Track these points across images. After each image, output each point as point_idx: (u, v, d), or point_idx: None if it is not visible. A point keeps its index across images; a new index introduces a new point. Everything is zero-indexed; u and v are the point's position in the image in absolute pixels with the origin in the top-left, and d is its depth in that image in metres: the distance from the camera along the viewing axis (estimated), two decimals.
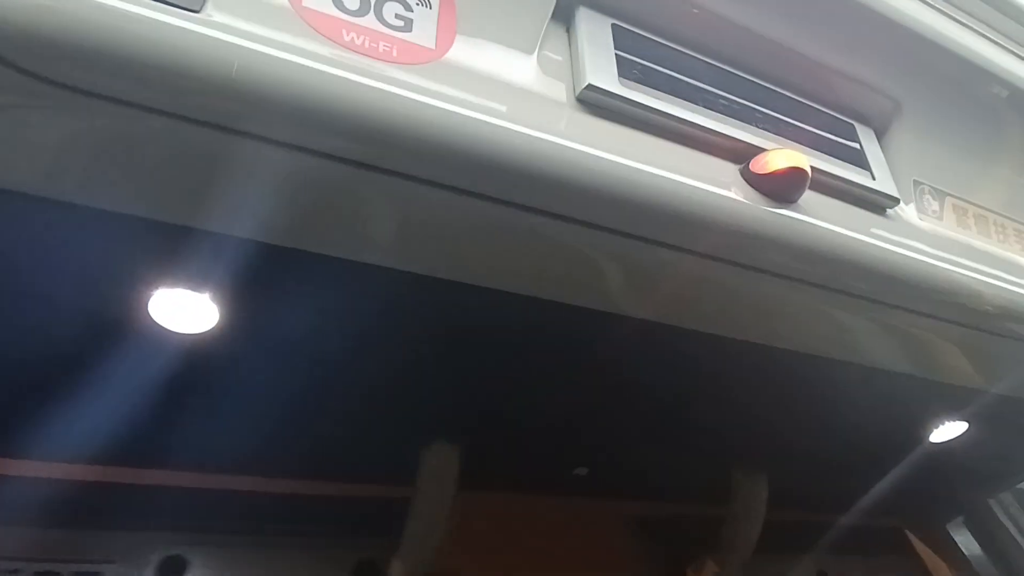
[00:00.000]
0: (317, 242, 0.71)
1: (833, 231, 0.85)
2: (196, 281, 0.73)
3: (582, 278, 0.79)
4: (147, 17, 0.54)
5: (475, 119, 0.65)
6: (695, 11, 0.84)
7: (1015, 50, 1.06)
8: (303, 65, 0.59)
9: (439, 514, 1.09)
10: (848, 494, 1.55)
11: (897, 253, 0.90)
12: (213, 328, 0.85)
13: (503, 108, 0.68)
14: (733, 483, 1.54)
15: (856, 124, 0.99)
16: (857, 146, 0.96)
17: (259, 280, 0.75)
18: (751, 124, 0.85)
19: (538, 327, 0.91)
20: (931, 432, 1.34)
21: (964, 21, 1.00)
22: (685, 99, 0.80)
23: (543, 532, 1.53)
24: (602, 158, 0.71)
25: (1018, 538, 1.79)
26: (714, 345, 0.95)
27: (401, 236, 0.73)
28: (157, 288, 0.73)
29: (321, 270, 0.75)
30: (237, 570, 1.09)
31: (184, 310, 0.78)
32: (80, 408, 0.88)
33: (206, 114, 0.58)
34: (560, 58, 0.77)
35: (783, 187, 0.80)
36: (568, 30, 0.79)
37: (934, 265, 0.94)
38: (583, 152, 0.70)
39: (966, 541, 1.84)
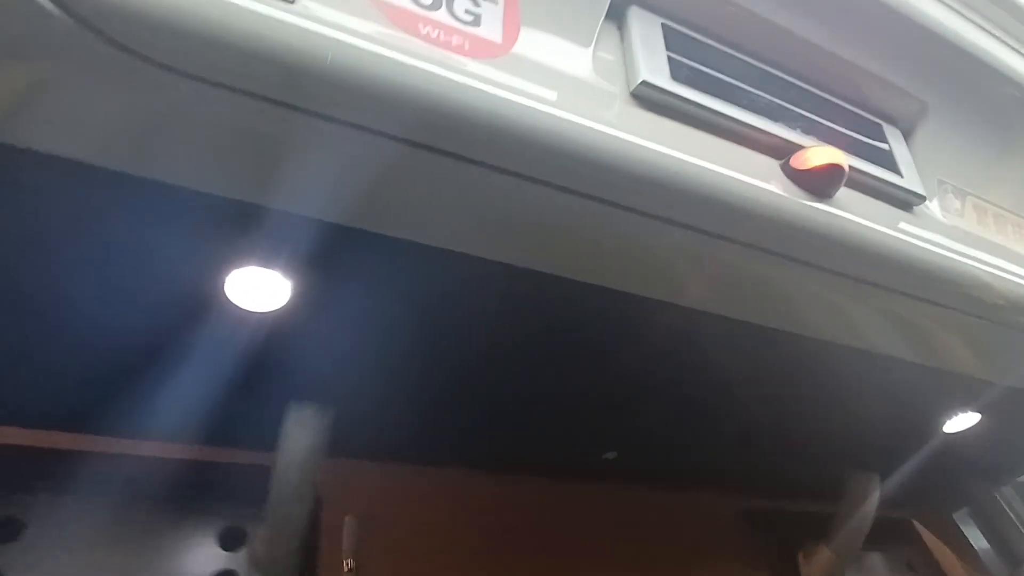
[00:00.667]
0: (384, 223, 0.75)
1: (865, 226, 0.89)
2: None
3: (630, 264, 0.84)
4: (245, 5, 0.58)
5: (539, 110, 0.69)
6: (739, 13, 0.88)
7: None
8: (386, 56, 0.62)
9: (302, 480, 1.08)
10: (874, 480, 1.59)
11: (923, 248, 0.94)
12: None
13: (564, 101, 0.72)
14: (847, 481, 1.68)
15: (885, 124, 1.03)
16: (886, 145, 1.00)
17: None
18: (790, 122, 0.89)
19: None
20: (944, 423, 1.39)
21: (987, 27, 1.04)
22: (730, 96, 0.84)
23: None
24: (655, 150, 0.75)
25: (1022, 529, 1.84)
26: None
27: (462, 219, 0.77)
28: (233, 268, 0.77)
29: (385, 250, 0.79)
30: (81, 532, 1.11)
31: None
32: None
33: (296, 98, 0.62)
34: (614, 55, 0.81)
35: (821, 183, 0.84)
36: (620, 28, 0.83)
37: (956, 260, 0.98)
38: (638, 144, 0.74)
39: (971, 532, 1.89)
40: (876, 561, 1.93)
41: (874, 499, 1.65)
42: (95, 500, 1.14)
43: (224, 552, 1.24)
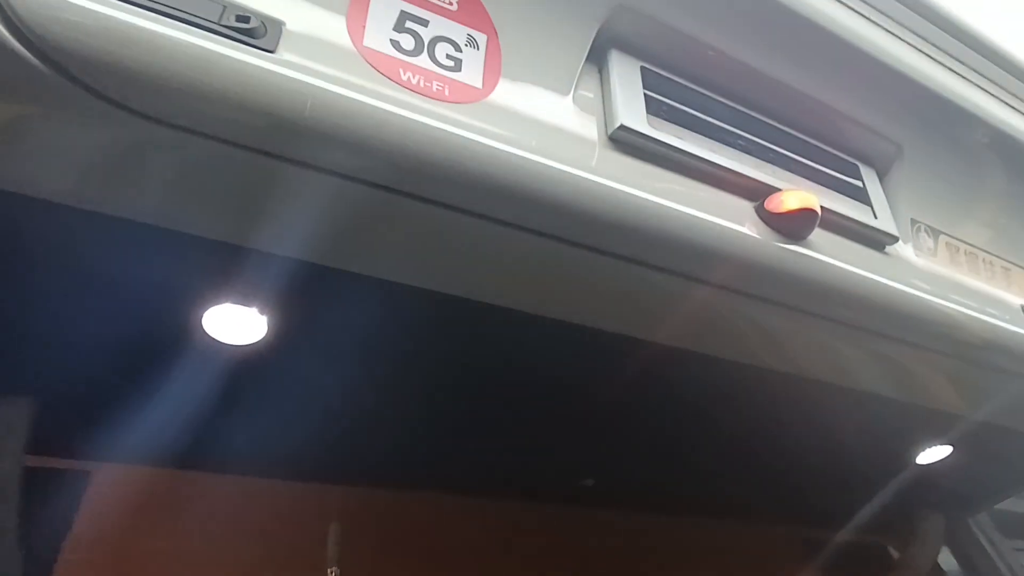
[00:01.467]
0: (364, 264, 0.75)
1: (839, 267, 0.91)
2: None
3: (606, 304, 0.85)
4: (226, 55, 0.59)
5: (518, 155, 0.70)
6: (718, 57, 0.89)
7: (1006, 99, 1.13)
8: (367, 103, 0.63)
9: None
10: (836, 512, 1.61)
11: (896, 288, 0.96)
12: None
13: (543, 146, 0.73)
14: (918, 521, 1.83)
15: (860, 164, 1.05)
16: (861, 185, 1.02)
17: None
18: (766, 162, 0.91)
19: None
20: (916, 455, 1.41)
21: (959, 71, 1.07)
22: (707, 138, 0.86)
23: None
24: (631, 194, 0.77)
25: (994, 557, 1.86)
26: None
27: (440, 260, 0.77)
28: (211, 305, 0.77)
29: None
30: None
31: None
32: None
33: (275, 147, 0.62)
34: (593, 97, 0.82)
35: (795, 225, 0.85)
36: (600, 71, 0.85)
37: (929, 300, 1.00)
38: (614, 188, 0.75)
39: (945, 559, 1.91)
40: None
41: (940, 538, 1.81)
42: None
43: None
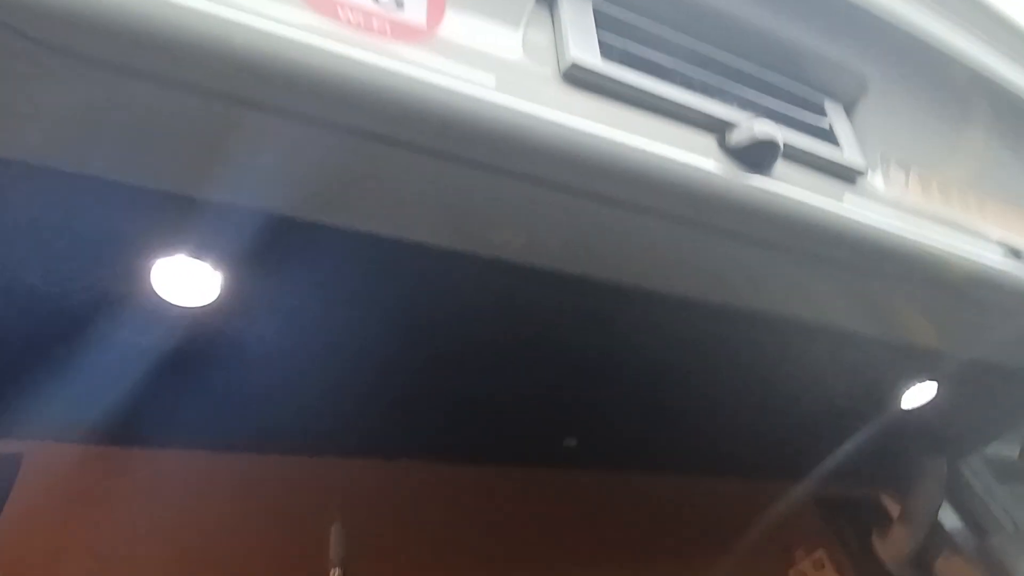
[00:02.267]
0: (319, 211, 0.74)
1: (805, 199, 0.90)
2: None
3: (570, 244, 0.84)
4: None
5: (467, 94, 0.69)
6: None
7: (977, 33, 1.12)
8: (305, 43, 0.62)
9: None
10: (824, 461, 1.61)
11: (866, 220, 0.95)
12: None
13: (493, 82, 0.71)
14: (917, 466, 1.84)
15: (825, 98, 1.04)
16: (826, 119, 1.01)
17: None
18: (726, 99, 0.90)
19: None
20: (902, 396, 1.40)
21: (927, 3, 1.06)
22: (663, 75, 0.84)
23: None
24: (587, 131, 0.75)
25: (987, 500, 1.87)
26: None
27: (398, 205, 0.76)
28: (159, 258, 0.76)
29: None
30: None
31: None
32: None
33: (210, 84, 0.61)
34: (544, 36, 0.81)
35: (757, 156, 0.84)
36: (551, 9, 0.83)
37: (902, 232, 0.99)
38: (570, 126, 0.74)
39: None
40: (851, 537, 1.98)
41: (942, 479, 1.81)
42: None
43: None
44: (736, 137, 0.84)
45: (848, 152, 0.99)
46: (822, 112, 1.01)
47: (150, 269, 0.76)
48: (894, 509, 1.99)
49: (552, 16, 0.83)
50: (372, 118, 0.67)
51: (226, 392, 1.02)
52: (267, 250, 0.75)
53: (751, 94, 0.93)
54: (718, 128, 0.85)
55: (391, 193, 0.74)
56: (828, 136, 0.99)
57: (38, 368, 0.93)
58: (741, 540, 1.84)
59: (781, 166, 0.89)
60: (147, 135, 0.65)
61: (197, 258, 0.74)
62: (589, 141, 0.76)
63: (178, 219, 0.71)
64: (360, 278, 0.88)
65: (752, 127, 0.83)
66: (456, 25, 0.72)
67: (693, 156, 0.82)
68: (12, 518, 1.14)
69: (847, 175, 0.99)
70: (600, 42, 0.81)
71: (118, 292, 0.79)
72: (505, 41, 0.76)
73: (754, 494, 1.86)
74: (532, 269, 0.86)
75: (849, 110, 1.07)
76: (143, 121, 0.64)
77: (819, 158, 0.95)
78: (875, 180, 1.03)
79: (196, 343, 0.88)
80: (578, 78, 0.78)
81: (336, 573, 1.30)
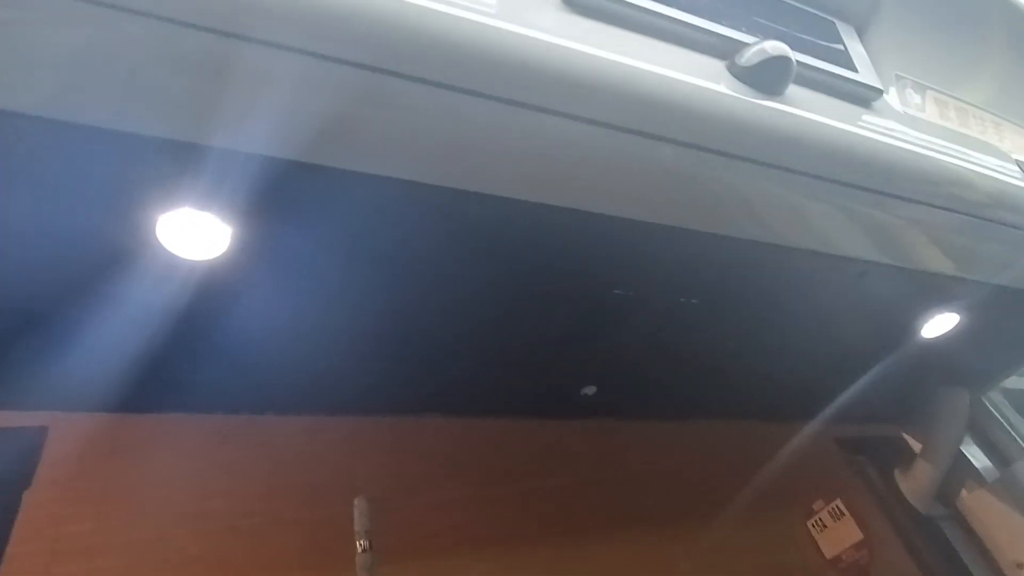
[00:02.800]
0: (329, 154, 0.72)
1: (821, 121, 0.87)
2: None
3: (581, 179, 0.82)
4: None
5: (473, 21, 0.67)
6: None
7: None
8: None
9: None
10: (845, 400, 1.60)
11: (884, 141, 0.93)
12: None
13: (493, 9, 0.69)
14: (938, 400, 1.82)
15: (837, 21, 1.01)
16: (839, 41, 0.98)
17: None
18: (734, 21, 0.87)
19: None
20: (922, 329, 1.38)
21: None
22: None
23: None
24: (594, 55, 0.73)
25: (1013, 433, 1.87)
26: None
27: (410, 144, 0.74)
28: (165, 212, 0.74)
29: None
30: None
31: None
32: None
33: (204, 18, 0.59)
34: None
35: (769, 77, 0.82)
36: None
37: (921, 152, 0.97)
38: (576, 50, 0.72)
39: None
40: (876, 477, 1.98)
41: (965, 412, 1.80)
42: None
43: None
44: (747, 57, 0.81)
45: (863, 73, 0.96)
46: (834, 34, 0.98)
47: (156, 223, 0.74)
48: (916, 445, 1.99)
49: None
50: (372, 50, 0.65)
51: (241, 351, 1.02)
52: (275, 198, 0.74)
53: (759, 18, 0.91)
54: (727, 51, 0.83)
55: (397, 131, 0.73)
56: (842, 59, 0.96)
57: (53, 337, 0.93)
58: (761, 485, 1.85)
59: (794, 90, 0.87)
60: (145, 78, 0.63)
61: (203, 209, 0.73)
62: (593, 67, 0.73)
63: (181, 169, 0.69)
64: (371, 224, 0.87)
65: (763, 45, 0.81)
66: None
67: (703, 80, 0.80)
68: (42, 489, 1.15)
69: (863, 97, 0.96)
70: None
71: (126, 249, 0.78)
72: None
73: (774, 436, 1.86)
74: (544, 207, 0.84)
75: (861, 32, 1.04)
76: (141, 63, 0.62)
77: (834, 80, 0.92)
78: (892, 101, 1.00)
79: (208, 299, 0.87)
80: (580, 3, 0.76)
81: (363, 544, 1.31)
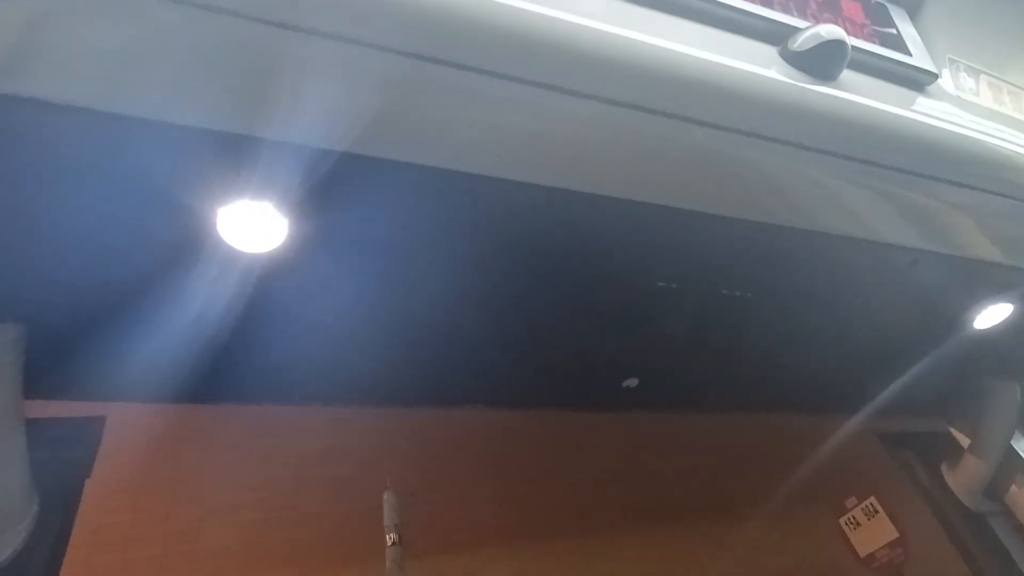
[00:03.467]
0: (386, 146, 0.73)
1: (875, 106, 0.86)
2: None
3: (631, 167, 0.81)
4: None
5: (527, 10, 0.67)
6: None
7: None
8: None
9: None
10: (891, 393, 1.56)
11: (939, 125, 0.91)
12: None
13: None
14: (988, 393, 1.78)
15: (889, 4, 0.99)
16: (891, 25, 0.96)
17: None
18: (785, 7, 0.86)
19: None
20: (973, 320, 1.35)
21: None
22: None
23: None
24: (644, 42, 0.73)
25: None
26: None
27: (465, 134, 0.74)
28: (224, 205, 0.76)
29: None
30: None
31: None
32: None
33: (258, 9, 0.60)
34: None
35: (823, 62, 0.81)
36: None
37: (976, 136, 0.95)
38: (631, 38, 0.72)
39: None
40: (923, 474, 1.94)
41: (1016, 405, 1.75)
42: None
43: None
44: (800, 41, 0.80)
45: (917, 58, 0.94)
46: (887, 18, 0.96)
47: (215, 216, 0.76)
48: (963, 440, 1.94)
49: None
50: (422, 37, 0.65)
51: (285, 342, 1.03)
52: (329, 190, 0.75)
53: (810, 3, 0.89)
54: (779, 36, 0.82)
55: (445, 120, 0.73)
56: (895, 42, 0.94)
57: (113, 327, 0.95)
58: (795, 481, 1.83)
59: (848, 75, 0.85)
60: (201, 70, 0.64)
61: (261, 201, 0.74)
62: (644, 54, 0.73)
63: (239, 162, 0.71)
64: (415, 215, 0.87)
65: (817, 29, 0.79)
66: None
67: (756, 66, 0.79)
68: (102, 479, 1.19)
69: (917, 81, 0.94)
70: None
71: (185, 242, 0.79)
72: None
73: (813, 431, 1.83)
74: (592, 196, 0.84)
75: (913, 15, 1.01)
76: (197, 56, 0.63)
77: (887, 65, 0.90)
78: (946, 85, 0.98)
79: (265, 291, 0.88)
80: None
81: (392, 538, 1.32)
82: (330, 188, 0.75)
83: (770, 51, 0.82)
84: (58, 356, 1.01)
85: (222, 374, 1.14)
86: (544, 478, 1.65)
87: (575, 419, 1.65)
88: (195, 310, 0.93)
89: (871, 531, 1.82)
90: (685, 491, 1.82)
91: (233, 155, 0.70)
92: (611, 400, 1.49)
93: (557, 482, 1.66)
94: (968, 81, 1.03)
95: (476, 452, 1.62)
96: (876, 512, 1.81)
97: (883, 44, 0.92)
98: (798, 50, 0.80)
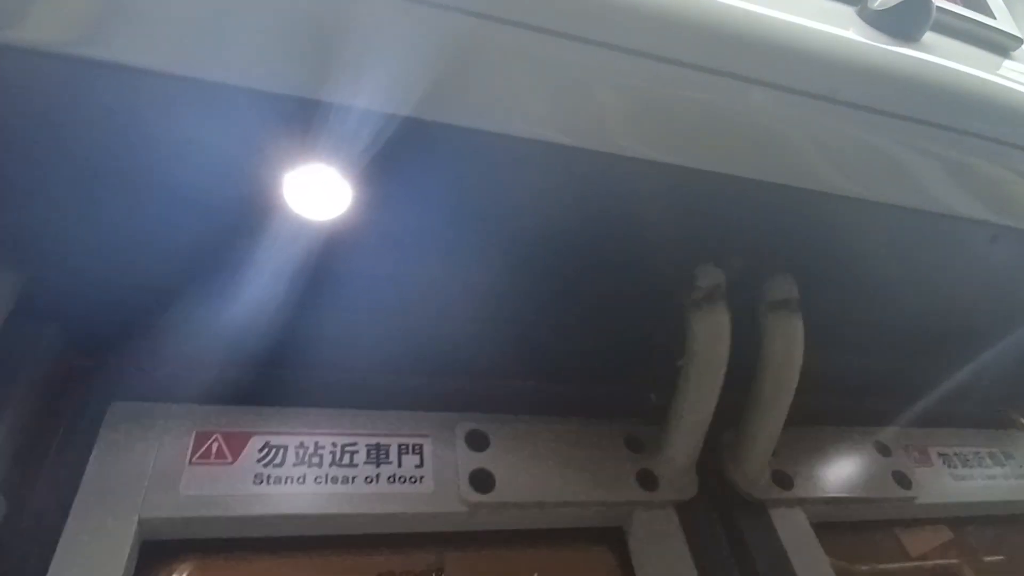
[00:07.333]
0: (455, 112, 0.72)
1: (960, 69, 0.81)
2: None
3: (704, 133, 0.79)
4: None
5: None
6: None
7: None
8: None
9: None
10: (949, 376, 1.49)
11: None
12: None
13: None
14: None
15: None
16: None
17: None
18: None
19: None
20: None
21: None
22: None
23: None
24: (721, 3, 0.71)
25: None
26: None
27: (514, 96, 0.73)
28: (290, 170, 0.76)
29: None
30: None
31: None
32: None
33: None
34: None
35: (906, 21, 0.77)
36: None
37: None
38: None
39: None
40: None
41: None
42: None
43: None
44: (882, 1, 0.76)
45: (1001, 21, 0.90)
46: None
47: (282, 182, 0.76)
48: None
49: None
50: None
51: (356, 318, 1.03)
52: (396, 156, 0.74)
53: None
54: None
55: (514, 85, 0.71)
56: (978, 4, 0.90)
57: (184, 301, 0.96)
58: None
59: (930, 36, 0.81)
60: (272, 34, 0.64)
61: (328, 166, 0.74)
62: (716, 14, 0.71)
63: (305, 126, 0.70)
64: (487, 183, 0.85)
65: None
66: None
67: (833, 27, 0.75)
68: None
69: (1002, 46, 0.89)
70: None
71: (254, 209, 0.80)
72: None
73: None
74: (658, 165, 0.82)
75: None
76: (263, 18, 0.63)
77: (972, 27, 0.86)
78: None
79: (330, 259, 0.88)
80: None
81: None
82: (396, 153, 0.75)
83: (847, 10, 0.79)
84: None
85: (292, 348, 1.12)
86: None
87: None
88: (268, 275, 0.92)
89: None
90: None
91: (299, 119, 0.70)
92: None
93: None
94: None
95: None
96: None
97: (966, 5, 0.88)
98: (879, 9, 0.77)
